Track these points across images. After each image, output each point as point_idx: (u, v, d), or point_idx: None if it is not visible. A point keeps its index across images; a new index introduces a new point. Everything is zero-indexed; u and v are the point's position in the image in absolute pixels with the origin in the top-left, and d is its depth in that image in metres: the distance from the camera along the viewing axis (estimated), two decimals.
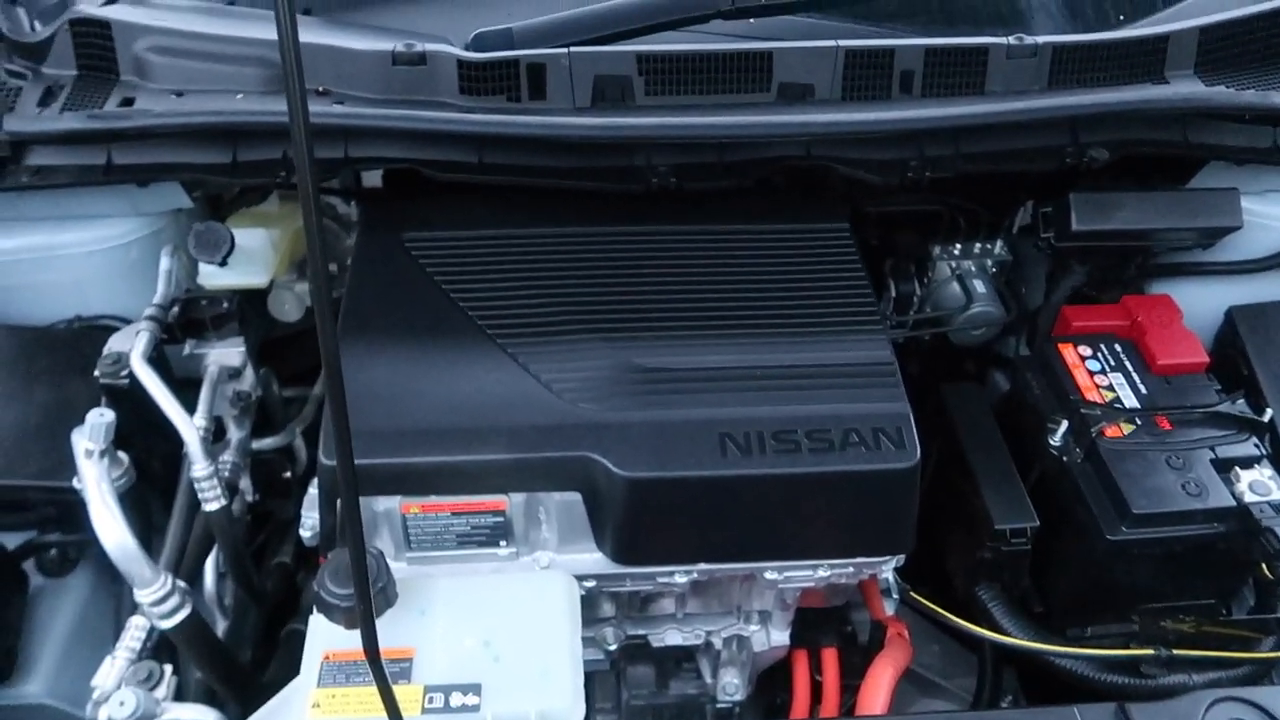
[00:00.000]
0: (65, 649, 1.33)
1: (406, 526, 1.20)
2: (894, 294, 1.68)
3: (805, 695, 1.49)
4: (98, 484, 1.14)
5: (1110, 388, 1.41)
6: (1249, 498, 1.27)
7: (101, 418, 1.17)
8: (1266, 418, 1.36)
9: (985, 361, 1.81)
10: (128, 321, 1.45)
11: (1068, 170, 1.45)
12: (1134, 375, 1.43)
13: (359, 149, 1.34)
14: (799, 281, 1.35)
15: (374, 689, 0.88)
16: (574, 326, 1.28)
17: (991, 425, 1.47)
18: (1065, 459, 1.35)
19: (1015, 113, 1.35)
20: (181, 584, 1.19)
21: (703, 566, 1.24)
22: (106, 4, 1.40)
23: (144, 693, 1.06)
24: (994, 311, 1.64)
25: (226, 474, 1.40)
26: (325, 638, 1.08)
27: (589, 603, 1.32)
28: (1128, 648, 1.33)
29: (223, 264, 1.39)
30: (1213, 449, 1.32)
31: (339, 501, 1.06)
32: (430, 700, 1.04)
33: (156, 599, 1.13)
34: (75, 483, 1.20)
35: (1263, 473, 1.29)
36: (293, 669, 1.08)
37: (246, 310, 1.48)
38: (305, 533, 1.25)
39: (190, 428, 1.26)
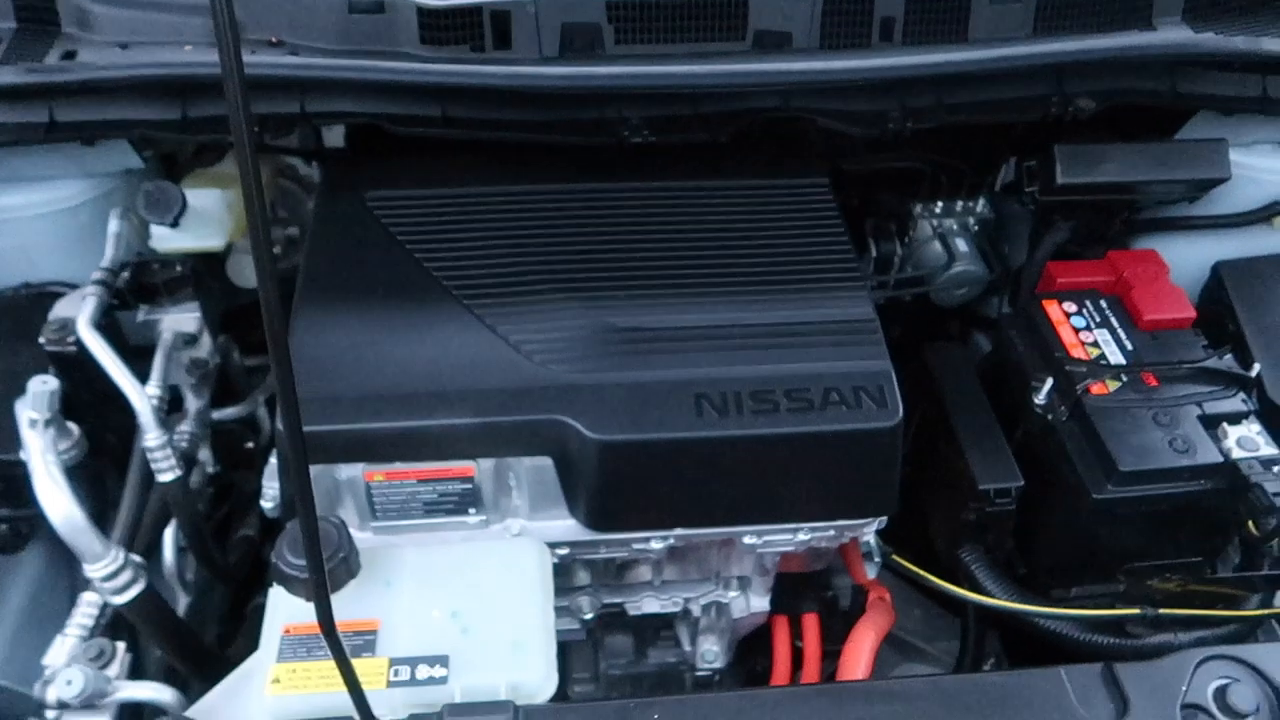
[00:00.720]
0: (17, 627, 1.28)
1: (371, 495, 1.15)
2: (875, 254, 1.65)
3: (786, 662, 1.47)
4: (42, 455, 1.09)
5: (1095, 344, 1.38)
6: (1237, 454, 1.24)
7: (44, 385, 1.12)
8: (1254, 373, 1.33)
9: (968, 321, 1.78)
10: (77, 287, 1.38)
11: (1052, 122, 1.41)
12: (1120, 331, 1.39)
13: (316, 103, 1.28)
14: (777, 237, 1.30)
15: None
16: (544, 286, 1.23)
17: (975, 385, 1.44)
18: (1050, 417, 1.32)
19: (999, 60, 1.30)
20: (135, 558, 1.14)
21: (679, 532, 1.20)
22: None
23: (94, 671, 1.02)
24: (976, 270, 1.61)
25: (184, 444, 1.36)
26: (285, 611, 1.04)
27: (562, 571, 1.28)
28: (1113, 608, 1.30)
29: (174, 225, 1.33)
30: (1200, 405, 1.29)
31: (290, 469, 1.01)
32: (396, 673, 1.00)
33: (108, 574, 1.08)
34: (22, 455, 1.15)
35: (1250, 428, 1.27)
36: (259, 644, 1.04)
37: (202, 275, 1.42)
38: (267, 504, 1.20)
39: (141, 395, 1.21)
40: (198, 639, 1.27)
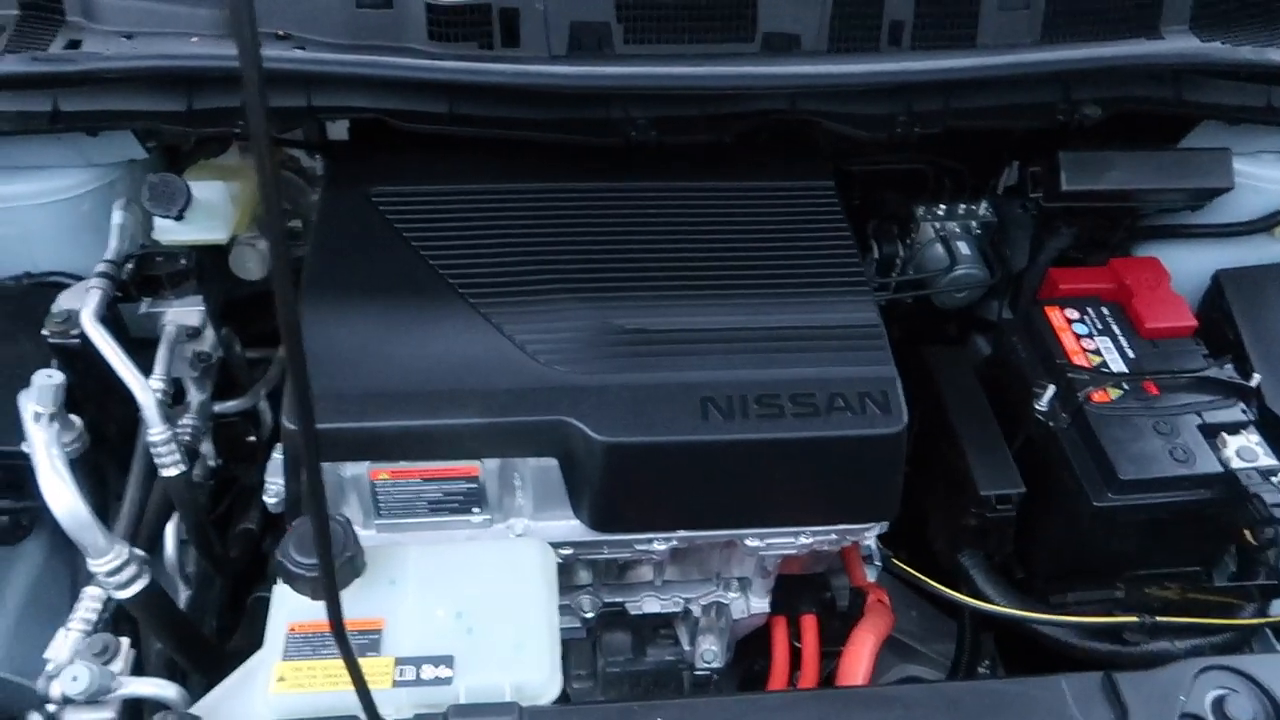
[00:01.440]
0: (18, 619, 1.28)
1: (375, 493, 1.15)
2: (877, 255, 1.65)
3: (784, 662, 1.47)
4: (46, 448, 1.08)
5: (1097, 351, 1.38)
6: (1236, 463, 1.25)
7: (49, 379, 1.11)
8: (1254, 383, 1.34)
9: (968, 324, 1.78)
10: (79, 278, 1.38)
11: (1058, 128, 1.41)
12: (1121, 339, 1.40)
13: (322, 98, 1.28)
14: (783, 240, 1.31)
15: (341, 661, 0.84)
16: (550, 286, 1.23)
17: (976, 389, 1.45)
18: (1051, 424, 1.33)
19: (1007, 66, 1.30)
20: (139, 552, 1.14)
21: (682, 534, 1.21)
22: None
23: (98, 667, 1.01)
24: (978, 273, 1.61)
25: (186, 438, 1.35)
26: (290, 609, 1.04)
27: (565, 570, 1.29)
28: (1111, 614, 1.31)
29: (179, 218, 1.32)
30: (1200, 414, 1.30)
31: (302, 467, 1.02)
32: (401, 673, 1.00)
33: (112, 568, 1.08)
34: (25, 447, 1.14)
35: (1250, 438, 1.28)
36: (258, 637, 1.04)
37: (206, 267, 1.41)
38: (270, 499, 1.20)
39: (145, 389, 1.20)
40: (200, 634, 1.27)
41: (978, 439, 1.36)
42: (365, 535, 1.17)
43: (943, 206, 1.64)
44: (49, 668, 1.05)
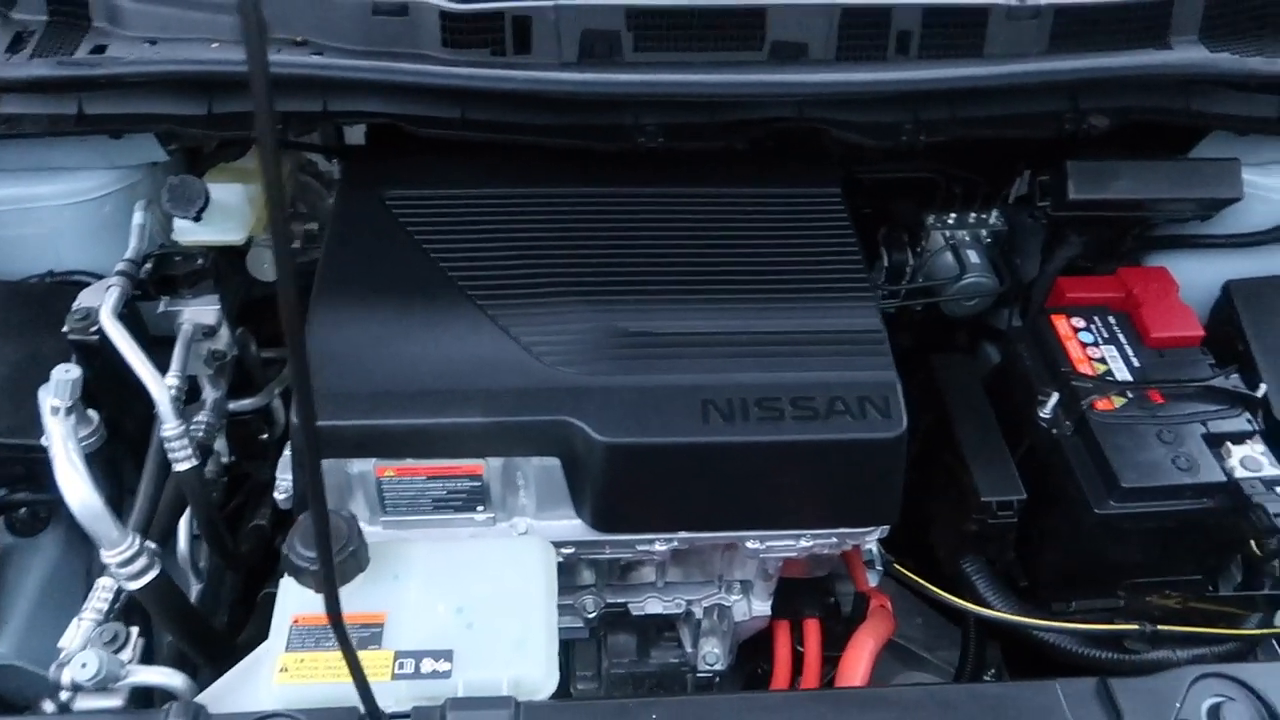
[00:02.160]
0: (34, 609, 1.31)
1: (381, 490, 1.17)
2: (887, 263, 1.66)
3: (786, 666, 1.48)
4: (63, 441, 1.11)
5: (1102, 360, 1.39)
6: (1240, 473, 1.25)
7: (67, 374, 1.14)
8: (1260, 393, 1.34)
9: (978, 333, 1.79)
10: (101, 277, 1.41)
11: (1066, 138, 1.42)
12: (1127, 348, 1.40)
13: (338, 102, 1.31)
14: (788, 246, 1.32)
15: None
16: (556, 289, 1.25)
17: (981, 397, 1.45)
18: (1055, 431, 1.33)
19: (1014, 76, 1.31)
20: (151, 545, 1.16)
21: (683, 535, 1.22)
22: None
23: (108, 655, 1.04)
24: (987, 282, 1.61)
25: (200, 434, 1.38)
26: (295, 601, 1.06)
27: (568, 570, 1.30)
28: (1113, 623, 1.31)
29: (197, 219, 1.35)
30: (1205, 424, 1.30)
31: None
32: (400, 666, 1.02)
33: (123, 559, 1.11)
34: (43, 440, 1.17)
35: (1254, 448, 1.28)
36: (267, 632, 1.06)
37: (223, 268, 1.44)
38: (279, 495, 1.22)
39: (160, 386, 1.23)
40: (209, 625, 1.30)
41: (980, 445, 1.36)
42: (371, 531, 1.19)
43: (953, 215, 1.65)
44: (62, 656, 1.08)
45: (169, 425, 1.24)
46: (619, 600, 1.38)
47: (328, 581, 0.81)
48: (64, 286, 1.43)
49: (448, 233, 1.31)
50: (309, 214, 1.61)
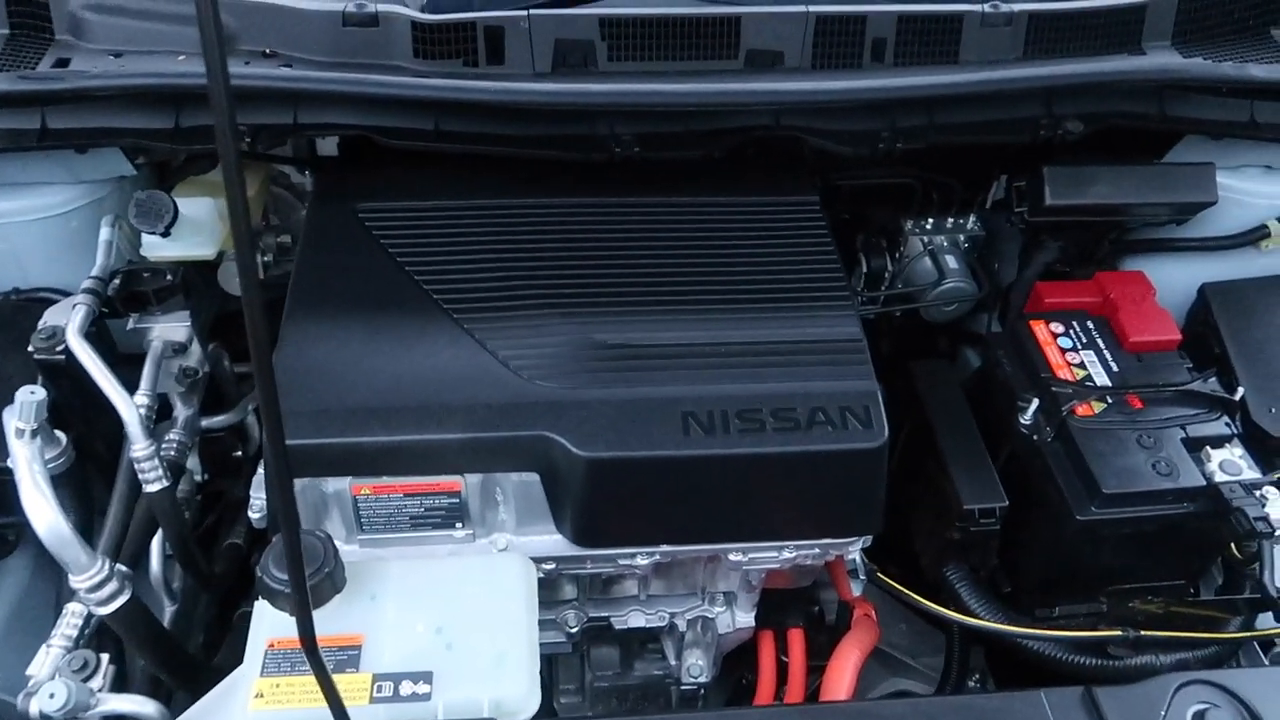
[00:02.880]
0: (3, 635, 1.29)
1: (358, 508, 1.15)
2: (865, 269, 1.66)
3: (771, 676, 1.47)
4: (29, 464, 1.08)
5: (1081, 365, 1.39)
6: (1219, 477, 1.25)
7: (31, 395, 1.11)
8: (1238, 396, 1.34)
9: (957, 338, 1.79)
10: (68, 294, 1.38)
11: (1042, 143, 1.42)
12: (1105, 353, 1.40)
13: (308, 115, 1.29)
14: (766, 256, 1.31)
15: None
16: (533, 301, 1.23)
17: (961, 403, 1.45)
18: (1035, 438, 1.33)
19: (989, 83, 1.31)
20: (121, 568, 1.14)
21: (665, 548, 1.21)
22: None
23: (77, 684, 1.01)
24: (966, 287, 1.61)
25: (172, 453, 1.35)
26: (270, 624, 1.04)
27: (549, 585, 1.29)
28: (1096, 628, 1.31)
29: (166, 234, 1.33)
30: (1184, 428, 1.30)
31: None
32: (379, 689, 1.00)
33: (93, 584, 1.08)
34: (9, 463, 1.15)
35: (1233, 452, 1.28)
36: (244, 653, 1.04)
37: (193, 283, 1.42)
38: (254, 514, 1.20)
39: (129, 405, 1.20)
40: (183, 650, 1.27)
41: (961, 453, 1.36)
42: (348, 550, 1.17)
43: (931, 220, 1.65)
44: (30, 685, 1.05)
45: (139, 446, 1.21)
46: (601, 614, 1.37)
47: (300, 606, 0.79)
48: (29, 305, 1.40)
49: (422, 245, 1.30)
50: (281, 226, 1.59)
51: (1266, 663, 1.32)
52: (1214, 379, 1.36)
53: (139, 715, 1.06)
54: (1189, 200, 1.48)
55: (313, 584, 0.97)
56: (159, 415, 1.36)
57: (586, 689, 1.51)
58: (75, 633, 1.11)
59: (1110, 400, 1.33)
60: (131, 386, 1.27)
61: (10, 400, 1.15)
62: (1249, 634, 1.29)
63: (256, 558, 1.51)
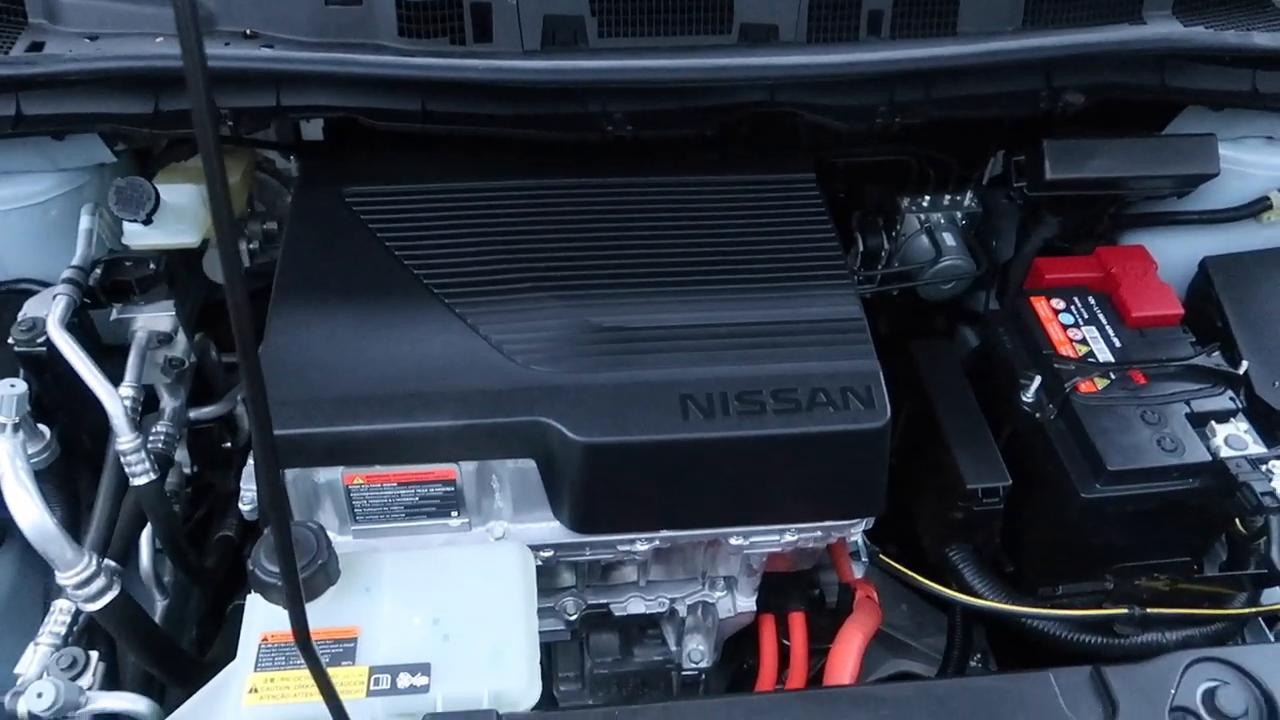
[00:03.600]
0: None
1: (350, 498, 1.13)
2: (862, 248, 1.63)
3: (773, 661, 1.45)
4: (11, 460, 1.06)
5: (1084, 341, 1.37)
6: (1225, 452, 1.23)
7: (12, 389, 1.09)
8: (1241, 370, 1.32)
9: (955, 316, 1.77)
10: (48, 285, 1.35)
11: (1041, 117, 1.40)
12: (1108, 328, 1.39)
13: (292, 97, 1.25)
14: (763, 235, 1.29)
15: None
16: (526, 285, 1.21)
17: (962, 382, 1.43)
18: (1038, 415, 1.31)
19: (988, 54, 1.28)
20: (110, 564, 1.11)
21: (665, 534, 1.19)
22: None
23: (65, 682, 0.99)
24: (963, 264, 1.59)
25: (160, 446, 1.32)
26: (263, 618, 1.02)
27: (547, 572, 1.27)
28: (1100, 606, 1.30)
29: (147, 222, 1.29)
30: (1188, 403, 1.29)
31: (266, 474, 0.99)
32: (376, 682, 0.98)
33: (80, 581, 1.06)
34: None
35: (1238, 426, 1.26)
36: (237, 647, 1.02)
37: (178, 272, 1.39)
38: (245, 506, 1.18)
39: (113, 398, 1.18)
40: (174, 645, 1.25)
41: (963, 432, 1.34)
42: (341, 542, 1.15)
43: (927, 198, 1.63)
44: (17, 684, 1.03)
45: (124, 439, 1.19)
46: (601, 601, 1.35)
47: (293, 599, 0.77)
48: (8, 296, 1.37)
49: (411, 230, 1.27)
50: (267, 213, 1.56)
51: (1272, 638, 1.31)
52: (1218, 353, 1.34)
53: (131, 713, 1.04)
54: (1191, 173, 1.46)
55: (306, 576, 0.95)
56: (145, 407, 1.33)
57: (586, 676, 1.50)
58: (63, 630, 1.09)
59: (1113, 376, 1.31)
60: (116, 378, 1.24)
61: None
62: (1255, 609, 1.28)
63: (248, 550, 1.50)
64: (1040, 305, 1.41)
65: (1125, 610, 1.26)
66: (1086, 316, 1.40)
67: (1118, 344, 1.36)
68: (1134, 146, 1.44)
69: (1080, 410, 1.27)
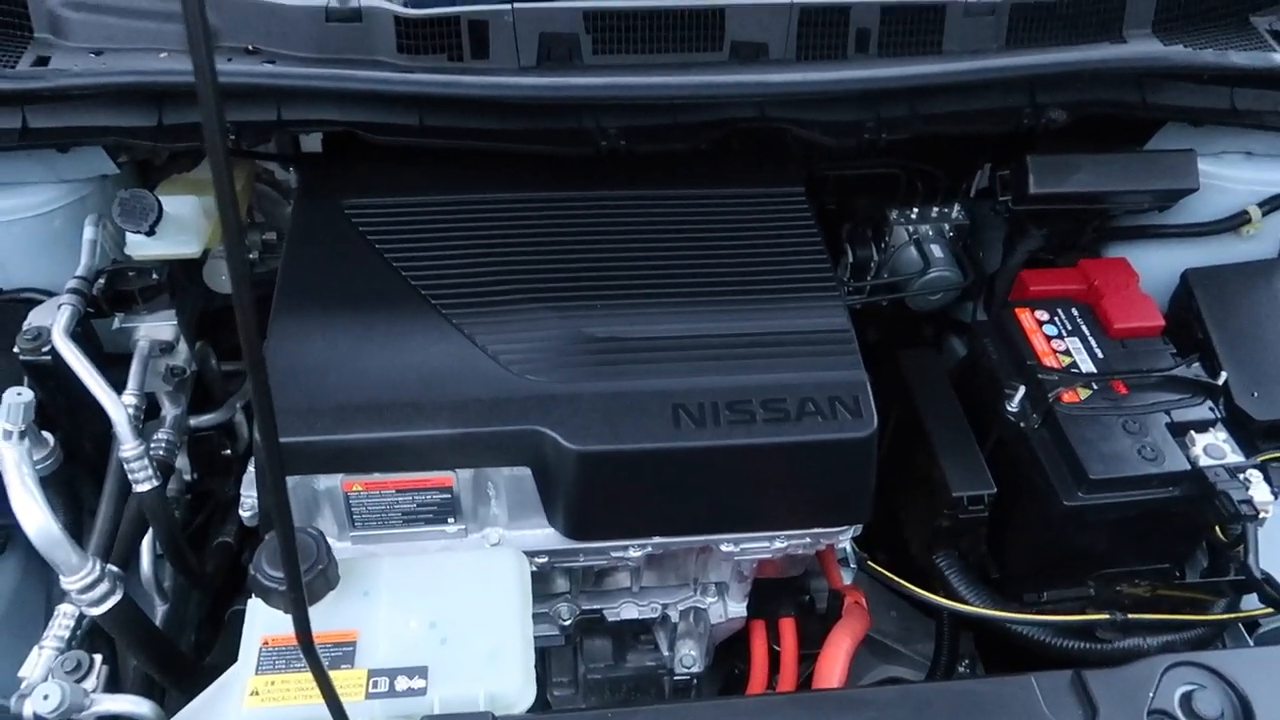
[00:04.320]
0: None
1: (349, 505, 1.15)
2: (851, 259, 1.66)
3: (764, 666, 1.48)
4: (17, 466, 1.08)
5: (1067, 352, 1.40)
6: (1204, 461, 1.26)
7: (19, 397, 1.11)
8: (1221, 381, 1.36)
9: (943, 326, 1.80)
10: (52, 294, 1.37)
11: (1025, 132, 1.43)
12: (1091, 339, 1.42)
13: (292, 111, 1.28)
14: (753, 247, 1.31)
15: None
16: (521, 295, 1.23)
17: (948, 391, 1.46)
18: (1022, 425, 1.34)
19: (972, 72, 1.32)
20: (113, 569, 1.14)
21: (657, 540, 1.21)
22: None
23: (70, 685, 1.01)
24: (951, 276, 1.62)
25: (161, 453, 1.35)
26: (264, 622, 1.04)
27: (542, 578, 1.29)
28: (1084, 612, 1.33)
29: (150, 233, 1.32)
30: (1168, 413, 1.32)
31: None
32: (374, 684, 1.00)
33: (84, 585, 1.08)
34: None
35: (1217, 436, 1.29)
36: (236, 651, 1.04)
37: (179, 281, 1.41)
38: (245, 513, 1.20)
39: (117, 405, 1.20)
40: (175, 649, 1.27)
41: (949, 441, 1.37)
42: (340, 547, 1.17)
43: (916, 210, 1.66)
44: (22, 687, 1.05)
45: (127, 446, 1.21)
46: (594, 606, 1.38)
47: (296, 603, 0.79)
48: (14, 305, 1.40)
49: (409, 241, 1.30)
50: (266, 223, 1.58)
51: (1251, 643, 1.34)
52: (1198, 364, 1.37)
53: (133, 715, 1.06)
54: (1171, 187, 1.49)
55: (306, 581, 0.97)
56: (147, 415, 1.35)
57: (580, 681, 1.52)
58: (67, 634, 1.11)
59: (1095, 386, 1.34)
60: (119, 386, 1.26)
61: None
62: (1234, 615, 1.31)
63: (247, 556, 1.52)
64: (1025, 316, 1.45)
65: (1107, 616, 1.29)
66: (1070, 328, 1.43)
67: (1100, 355, 1.39)
68: (1116, 162, 1.48)
69: (1063, 420, 1.30)
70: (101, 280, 1.35)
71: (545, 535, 1.20)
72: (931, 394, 1.45)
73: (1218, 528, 1.28)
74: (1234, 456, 1.27)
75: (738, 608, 1.40)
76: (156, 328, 1.37)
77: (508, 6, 1.25)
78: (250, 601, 1.05)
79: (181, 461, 1.46)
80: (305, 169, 1.49)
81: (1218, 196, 1.55)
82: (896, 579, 1.34)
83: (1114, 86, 1.40)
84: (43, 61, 1.26)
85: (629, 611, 1.38)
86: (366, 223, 1.32)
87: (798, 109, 1.36)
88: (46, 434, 1.26)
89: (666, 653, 1.46)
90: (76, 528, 1.29)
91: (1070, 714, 1.00)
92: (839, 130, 1.37)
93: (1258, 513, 1.21)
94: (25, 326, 1.27)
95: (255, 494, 1.19)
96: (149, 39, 1.27)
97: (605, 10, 1.27)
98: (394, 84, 1.24)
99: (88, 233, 1.38)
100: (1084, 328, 1.43)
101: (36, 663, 1.08)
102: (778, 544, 1.24)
